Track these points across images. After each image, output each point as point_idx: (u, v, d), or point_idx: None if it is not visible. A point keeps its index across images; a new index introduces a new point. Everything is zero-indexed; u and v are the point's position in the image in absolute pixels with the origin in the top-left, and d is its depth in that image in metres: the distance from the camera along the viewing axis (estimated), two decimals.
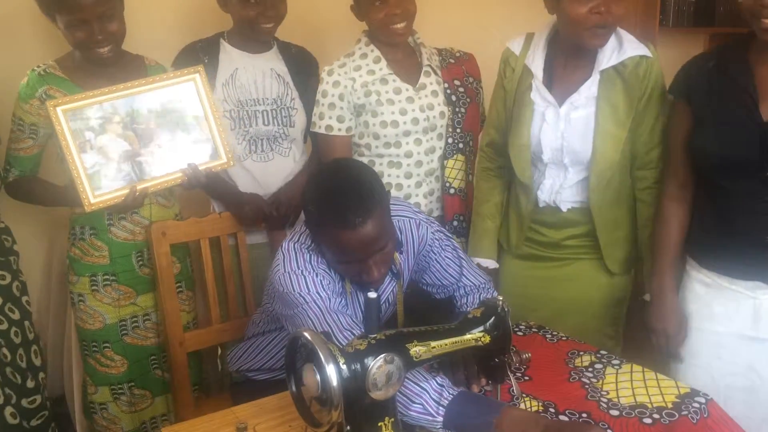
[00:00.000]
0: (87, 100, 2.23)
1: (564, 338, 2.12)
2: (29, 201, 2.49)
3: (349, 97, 2.54)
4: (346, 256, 1.77)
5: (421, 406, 1.62)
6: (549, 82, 2.26)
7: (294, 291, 1.79)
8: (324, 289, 1.80)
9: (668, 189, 2.17)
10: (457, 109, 2.61)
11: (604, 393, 1.81)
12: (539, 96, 2.25)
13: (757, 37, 1.90)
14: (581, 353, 2.01)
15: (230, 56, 2.62)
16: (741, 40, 1.99)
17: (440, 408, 1.61)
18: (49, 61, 2.37)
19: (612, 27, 2.14)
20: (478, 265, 2.37)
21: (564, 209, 2.31)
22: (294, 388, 1.57)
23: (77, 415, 2.81)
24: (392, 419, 1.54)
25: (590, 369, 1.93)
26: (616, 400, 1.78)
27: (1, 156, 2.42)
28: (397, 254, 1.96)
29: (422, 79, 2.61)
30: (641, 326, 2.27)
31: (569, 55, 2.25)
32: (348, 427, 1.50)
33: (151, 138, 2.33)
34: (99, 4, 2.21)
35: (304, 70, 2.66)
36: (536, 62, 2.27)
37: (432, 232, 2.07)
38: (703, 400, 1.77)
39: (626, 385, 1.85)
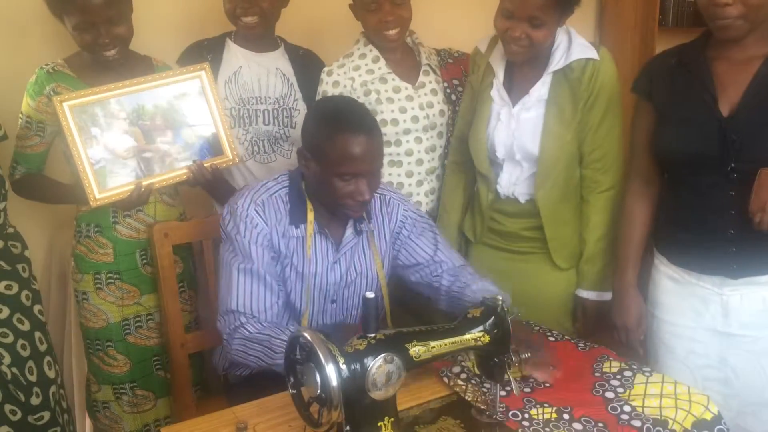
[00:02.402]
0: (93, 96, 2.24)
1: (596, 346, 2.05)
2: (35, 198, 2.49)
3: (349, 96, 2.52)
4: (350, 167, 1.90)
5: (282, 352, 1.70)
6: (509, 81, 2.33)
7: (234, 230, 1.99)
8: (256, 245, 1.97)
9: (633, 187, 2.23)
10: (456, 108, 2.61)
11: (631, 402, 1.75)
12: (497, 95, 2.32)
13: (714, 35, 1.95)
14: (610, 358, 1.95)
15: (235, 54, 2.62)
16: (701, 38, 2.04)
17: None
18: (58, 59, 2.38)
19: (530, 49, 2.19)
20: None
21: (522, 200, 2.35)
22: (293, 388, 1.57)
23: (78, 416, 2.80)
24: (392, 419, 1.54)
25: (618, 375, 1.86)
26: (640, 409, 1.72)
27: (8, 153, 2.42)
28: (367, 220, 2.12)
29: (421, 78, 2.62)
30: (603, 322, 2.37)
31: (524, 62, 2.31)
32: (347, 427, 1.50)
33: (157, 134, 2.32)
34: (107, 7, 2.21)
35: (310, 71, 2.65)
36: (498, 61, 2.34)
37: (404, 210, 2.19)
38: (724, 430, 1.73)
39: (655, 397, 1.77)
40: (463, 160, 2.51)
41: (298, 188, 2.05)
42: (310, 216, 2.03)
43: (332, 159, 1.91)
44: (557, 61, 2.25)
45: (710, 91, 1.94)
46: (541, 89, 2.27)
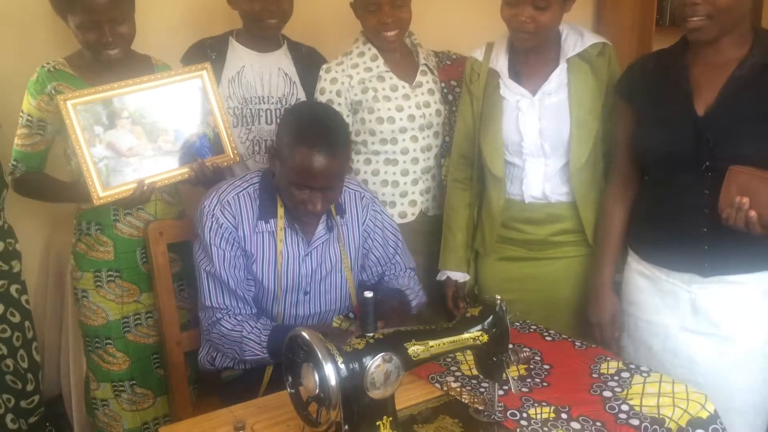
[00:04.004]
0: (96, 95, 2.24)
1: (593, 346, 2.08)
2: (36, 197, 2.49)
3: (346, 93, 2.55)
4: (304, 179, 1.95)
5: (251, 351, 2.01)
6: (516, 78, 2.35)
7: (202, 230, 2.07)
8: (217, 247, 2.05)
9: (611, 188, 2.27)
10: (453, 109, 2.62)
11: (628, 401, 1.75)
12: (509, 91, 2.34)
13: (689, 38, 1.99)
14: (608, 359, 1.96)
15: (238, 54, 2.64)
16: (680, 43, 2.08)
17: (264, 349, 2.01)
18: (59, 58, 2.38)
19: (537, 34, 2.22)
20: (448, 278, 2.52)
21: (553, 200, 2.34)
22: (292, 388, 1.57)
23: (75, 414, 2.81)
24: (390, 418, 1.54)
25: (616, 377, 1.87)
26: (638, 408, 1.73)
27: (8, 152, 2.43)
28: (337, 216, 2.19)
29: (419, 78, 2.63)
30: None
31: (530, 53, 2.33)
32: (346, 427, 1.50)
33: (159, 133, 2.33)
34: (111, 7, 2.22)
35: (313, 69, 2.67)
36: (500, 63, 2.37)
37: (373, 209, 2.28)
38: (719, 429, 1.75)
39: (653, 396, 1.78)
40: (466, 177, 2.51)
41: (269, 184, 2.12)
42: (281, 211, 2.10)
43: (290, 166, 1.96)
44: (572, 48, 2.29)
45: (686, 91, 1.98)
46: (560, 75, 2.29)
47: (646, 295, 2.16)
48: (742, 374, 2.02)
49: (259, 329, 2.03)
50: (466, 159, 2.48)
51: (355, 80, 2.55)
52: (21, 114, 2.36)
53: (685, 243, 2.02)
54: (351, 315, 2.23)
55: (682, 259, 2.05)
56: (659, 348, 2.14)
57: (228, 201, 2.08)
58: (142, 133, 2.30)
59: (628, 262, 2.23)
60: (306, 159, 1.92)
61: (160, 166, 2.33)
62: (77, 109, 2.21)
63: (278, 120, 2.61)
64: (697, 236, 1.99)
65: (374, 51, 2.58)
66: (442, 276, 2.53)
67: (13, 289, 2.37)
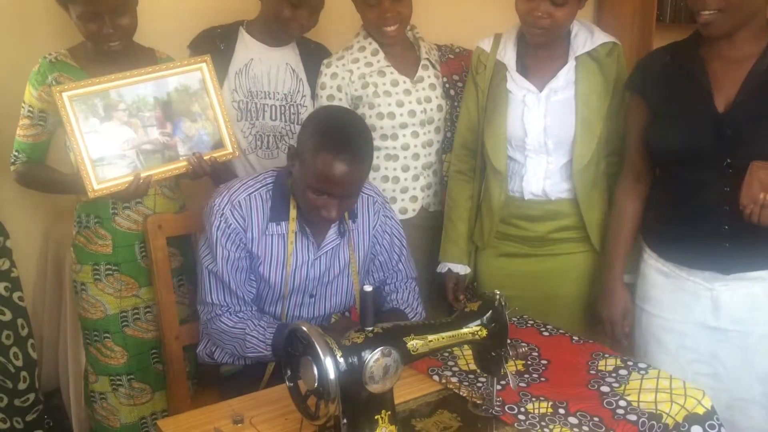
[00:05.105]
0: (93, 86, 2.23)
1: (590, 341, 2.08)
2: (36, 188, 2.50)
3: (347, 88, 2.55)
4: (323, 185, 1.89)
5: (253, 348, 1.98)
6: (523, 72, 2.33)
7: (209, 227, 2.03)
8: (223, 247, 2.01)
9: (624, 183, 2.26)
10: (455, 104, 2.61)
11: (626, 396, 1.76)
12: (515, 85, 2.32)
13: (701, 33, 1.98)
14: (606, 356, 1.96)
15: (247, 46, 2.62)
16: (694, 36, 2.07)
17: (267, 346, 1.97)
18: (62, 49, 2.38)
19: (552, 30, 2.21)
20: (449, 270, 2.50)
21: (553, 198, 2.33)
22: (291, 381, 1.57)
23: (73, 407, 2.80)
24: (389, 412, 1.55)
25: (614, 374, 1.87)
26: (635, 404, 1.73)
27: (9, 143, 2.43)
28: (349, 221, 2.13)
29: (420, 72, 2.62)
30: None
31: (540, 48, 2.32)
32: (344, 420, 1.51)
33: (157, 126, 2.32)
34: None
35: (320, 66, 2.64)
36: (508, 55, 2.35)
37: (384, 215, 2.22)
38: (716, 425, 1.76)
39: (651, 391, 1.79)
40: (468, 168, 2.49)
41: (283, 186, 2.06)
42: (293, 213, 2.05)
43: (310, 171, 1.90)
44: (582, 45, 2.28)
45: (705, 87, 1.97)
46: (568, 73, 2.28)
47: (662, 292, 2.15)
48: (764, 365, 2.03)
49: (264, 327, 2.00)
50: (469, 150, 2.47)
51: (355, 75, 2.55)
52: (23, 105, 2.36)
53: (705, 241, 2.01)
54: (347, 314, 2.22)
55: (703, 257, 2.04)
56: (674, 345, 2.13)
57: (239, 201, 2.03)
58: (139, 125, 2.30)
59: (644, 258, 2.22)
60: (328, 166, 1.86)
61: (157, 159, 2.32)
62: (73, 100, 2.20)
63: (283, 116, 2.60)
64: (718, 234, 1.98)
65: (375, 45, 2.57)
66: (442, 268, 2.52)
67: (1, 287, 2.36)
